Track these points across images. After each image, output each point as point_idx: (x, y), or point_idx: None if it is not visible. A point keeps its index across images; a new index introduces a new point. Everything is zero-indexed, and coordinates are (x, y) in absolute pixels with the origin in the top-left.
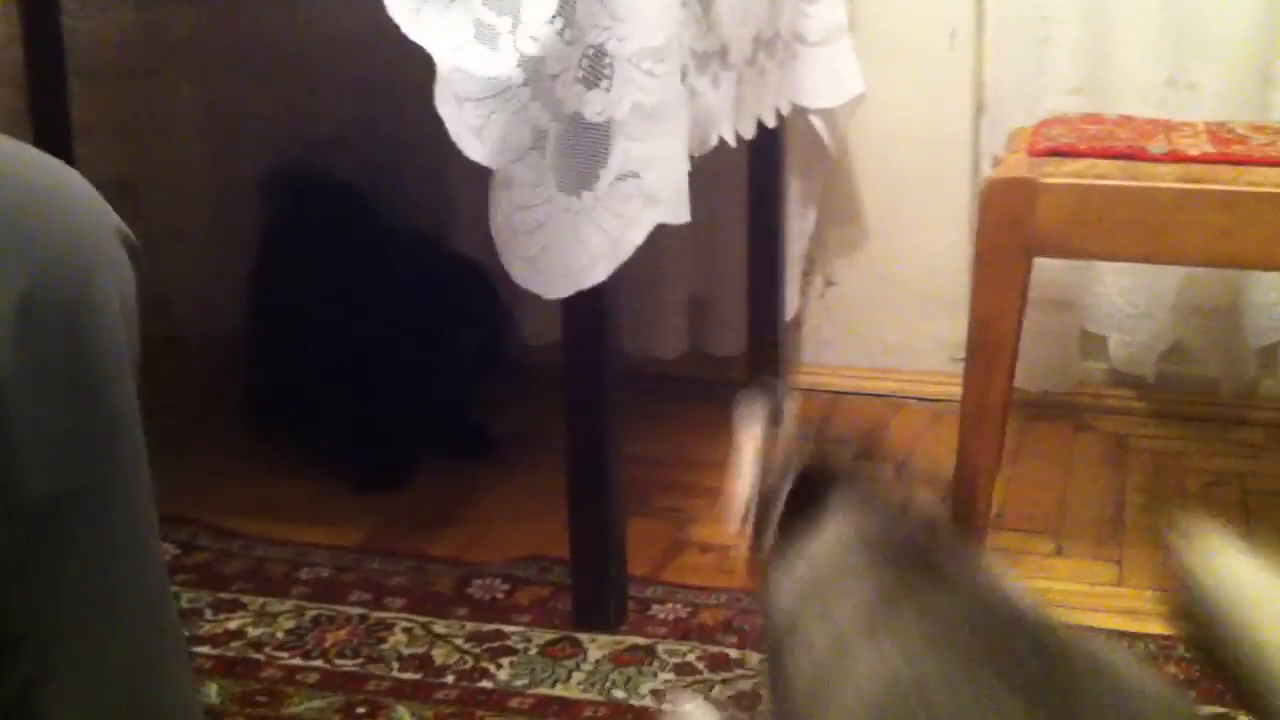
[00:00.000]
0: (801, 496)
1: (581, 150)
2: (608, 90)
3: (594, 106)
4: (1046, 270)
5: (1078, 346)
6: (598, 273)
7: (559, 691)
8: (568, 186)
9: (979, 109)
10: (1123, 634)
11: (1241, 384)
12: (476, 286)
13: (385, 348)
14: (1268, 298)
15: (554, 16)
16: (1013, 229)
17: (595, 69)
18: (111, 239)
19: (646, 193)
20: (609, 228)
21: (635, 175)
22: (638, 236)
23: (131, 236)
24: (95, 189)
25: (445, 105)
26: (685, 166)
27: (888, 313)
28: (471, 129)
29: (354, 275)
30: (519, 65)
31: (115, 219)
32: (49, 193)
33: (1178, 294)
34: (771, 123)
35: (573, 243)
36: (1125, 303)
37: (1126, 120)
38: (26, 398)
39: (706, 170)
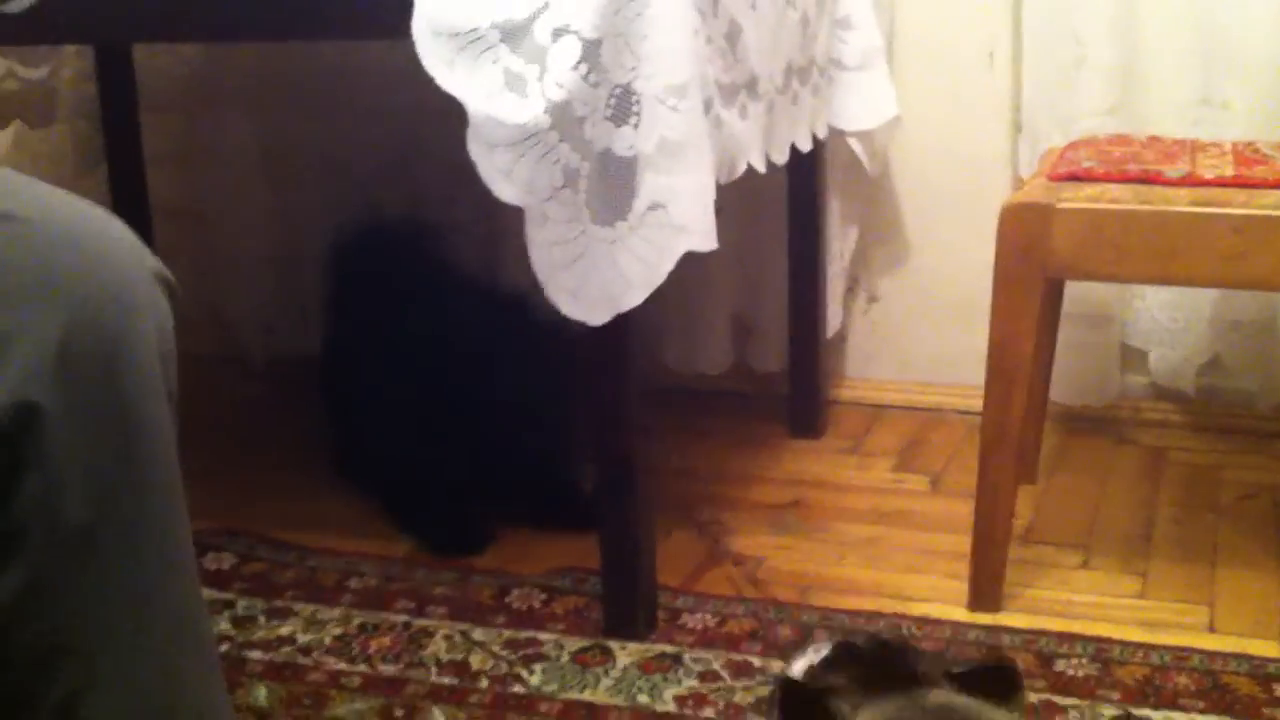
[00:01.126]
0: None
1: (613, 183)
2: (636, 126)
3: (624, 142)
4: (1087, 287)
5: (1118, 361)
6: (634, 297)
7: (586, 696)
8: (602, 218)
9: (1016, 129)
10: (1139, 645)
11: (1279, 397)
12: (558, 349)
13: (467, 409)
14: None
15: (579, 63)
16: (1029, 253)
17: (623, 106)
18: (149, 280)
19: (674, 223)
20: (643, 254)
21: (663, 206)
22: (668, 264)
23: (169, 276)
24: (132, 232)
25: (476, 149)
26: (711, 196)
27: (929, 328)
28: (501, 172)
29: (434, 333)
30: (546, 111)
31: (153, 261)
32: (88, 237)
33: (1215, 308)
34: (806, 147)
35: (610, 270)
36: (1165, 317)
37: (1154, 141)
38: (67, 433)
39: (748, 192)
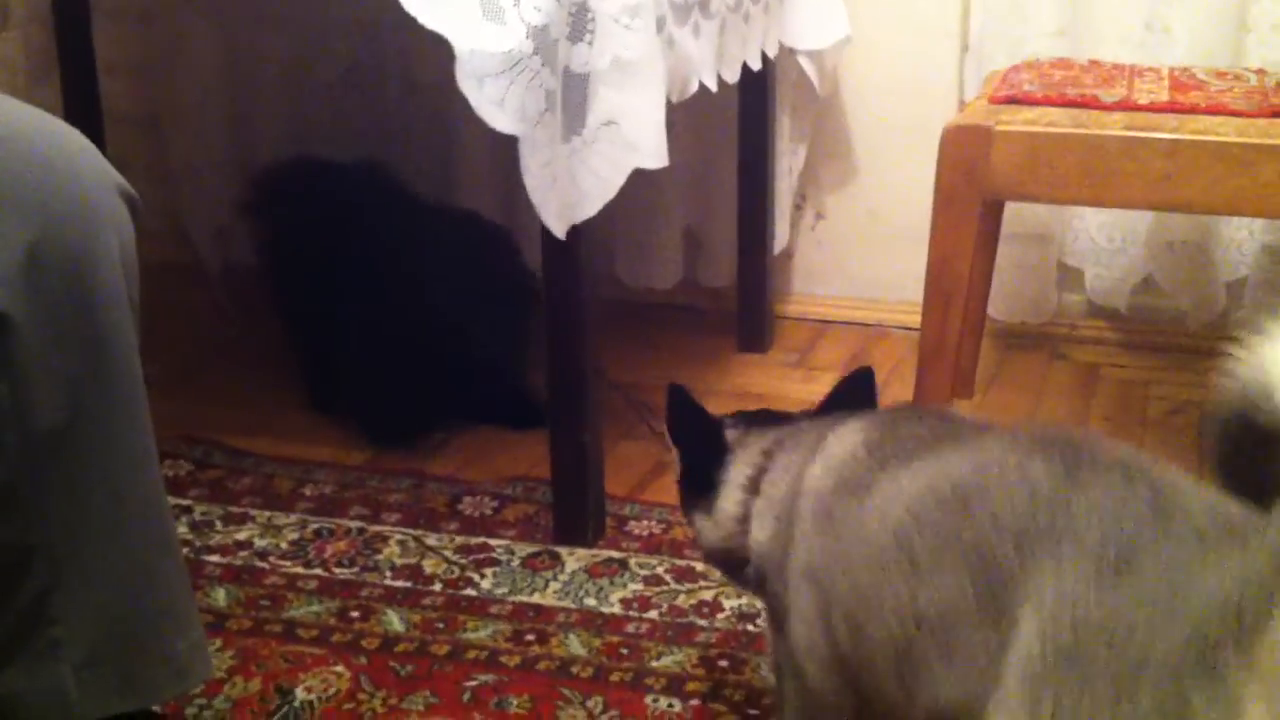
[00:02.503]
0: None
1: (570, 99)
2: (590, 44)
3: (579, 58)
4: (1026, 207)
5: (1055, 279)
6: (588, 209)
7: (535, 599)
8: (565, 132)
9: (964, 50)
10: None
11: (1210, 316)
12: (503, 256)
13: (410, 314)
14: (1238, 234)
15: None
16: (968, 174)
17: (579, 24)
18: (112, 195)
19: (625, 139)
20: (596, 168)
21: (616, 123)
22: (620, 179)
23: (131, 190)
24: (96, 148)
25: (466, 84)
26: (661, 114)
27: (874, 246)
28: (494, 102)
29: (378, 248)
30: (528, 36)
31: (116, 176)
32: (54, 152)
33: (1150, 230)
34: (757, 66)
35: (568, 183)
36: (1102, 237)
37: (1094, 65)
38: (36, 340)
39: (699, 109)
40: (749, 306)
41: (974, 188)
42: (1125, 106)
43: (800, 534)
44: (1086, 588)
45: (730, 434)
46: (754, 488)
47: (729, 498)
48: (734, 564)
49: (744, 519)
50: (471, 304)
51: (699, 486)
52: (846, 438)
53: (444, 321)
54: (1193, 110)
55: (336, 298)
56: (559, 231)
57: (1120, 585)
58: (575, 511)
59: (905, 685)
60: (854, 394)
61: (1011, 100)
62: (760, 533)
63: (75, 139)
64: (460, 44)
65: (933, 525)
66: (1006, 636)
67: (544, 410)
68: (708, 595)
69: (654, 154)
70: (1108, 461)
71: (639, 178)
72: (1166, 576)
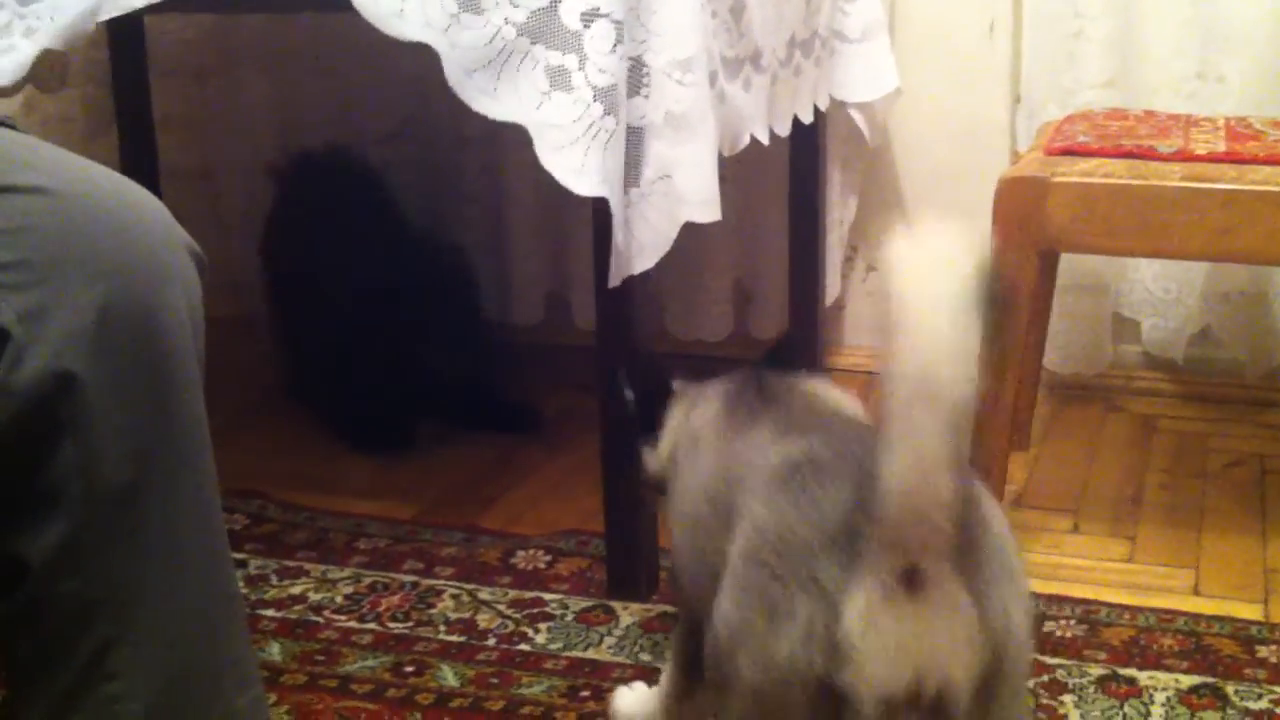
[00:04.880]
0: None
1: (627, 152)
2: (646, 97)
3: (636, 112)
4: (1081, 257)
5: (1110, 330)
6: (645, 261)
7: (591, 654)
8: (625, 183)
9: (1015, 101)
10: (1125, 608)
11: (1268, 367)
12: (456, 272)
13: (378, 327)
14: None
15: (615, 45)
16: (1024, 225)
17: (634, 78)
18: (181, 252)
19: (679, 192)
20: (653, 221)
21: (669, 176)
22: (673, 231)
23: (197, 248)
24: (165, 209)
25: (546, 158)
26: (714, 168)
27: None
28: (575, 170)
29: (355, 259)
30: (596, 99)
31: (183, 234)
32: (124, 210)
33: (1207, 280)
34: (808, 119)
35: (623, 236)
36: (1158, 288)
37: (1149, 116)
38: (104, 399)
39: (750, 162)
40: (800, 359)
41: (1030, 239)
42: (1182, 157)
43: (667, 473)
44: (763, 504)
45: (678, 386)
46: (681, 429)
47: (666, 438)
48: (662, 491)
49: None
50: (445, 317)
51: (649, 427)
52: (707, 405)
53: (421, 335)
54: (1252, 160)
55: (319, 299)
56: (612, 281)
57: (783, 508)
58: (629, 565)
59: (702, 601)
60: (782, 358)
61: (1067, 151)
62: (661, 453)
63: (144, 197)
64: (530, 122)
65: (709, 483)
66: (727, 557)
67: (536, 416)
68: None
69: (707, 206)
70: (814, 420)
71: (689, 230)
72: (814, 499)
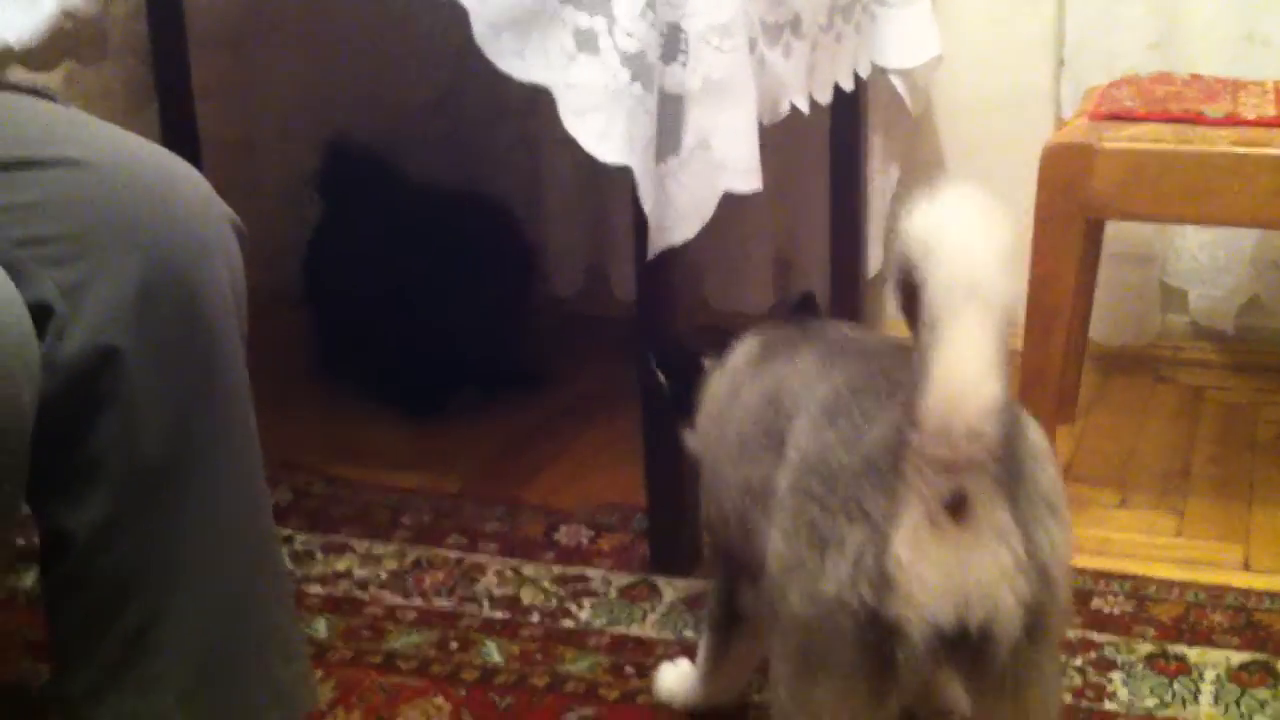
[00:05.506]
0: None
1: (665, 119)
2: (684, 64)
3: (673, 79)
4: (1127, 226)
5: (1158, 300)
6: (685, 231)
7: (634, 631)
8: (661, 153)
9: (1060, 65)
10: (1175, 583)
11: None
12: (506, 237)
13: (422, 294)
14: None
15: (645, 9)
16: (1070, 192)
17: (671, 44)
18: (222, 225)
19: (719, 160)
20: (693, 189)
21: (709, 144)
22: (713, 200)
23: (238, 221)
24: (207, 181)
25: (569, 120)
26: (754, 136)
27: None
28: (598, 135)
29: (395, 231)
30: (623, 64)
31: (225, 208)
32: (164, 183)
33: (1256, 248)
34: (849, 86)
35: (664, 204)
36: (1205, 257)
37: (1196, 80)
38: (146, 372)
39: (790, 130)
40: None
41: (1076, 207)
42: (1231, 122)
43: (702, 427)
44: (809, 435)
45: (707, 362)
46: (717, 381)
47: (702, 404)
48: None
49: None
50: (477, 285)
51: (685, 408)
52: (741, 350)
53: (457, 302)
54: None
55: (358, 276)
56: (652, 251)
57: (825, 434)
58: (672, 541)
59: (749, 544)
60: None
61: (1113, 117)
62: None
63: (184, 169)
64: (556, 83)
65: (754, 418)
66: (775, 486)
67: (539, 375)
68: None
69: (748, 175)
70: (856, 350)
71: (729, 200)
72: (855, 423)
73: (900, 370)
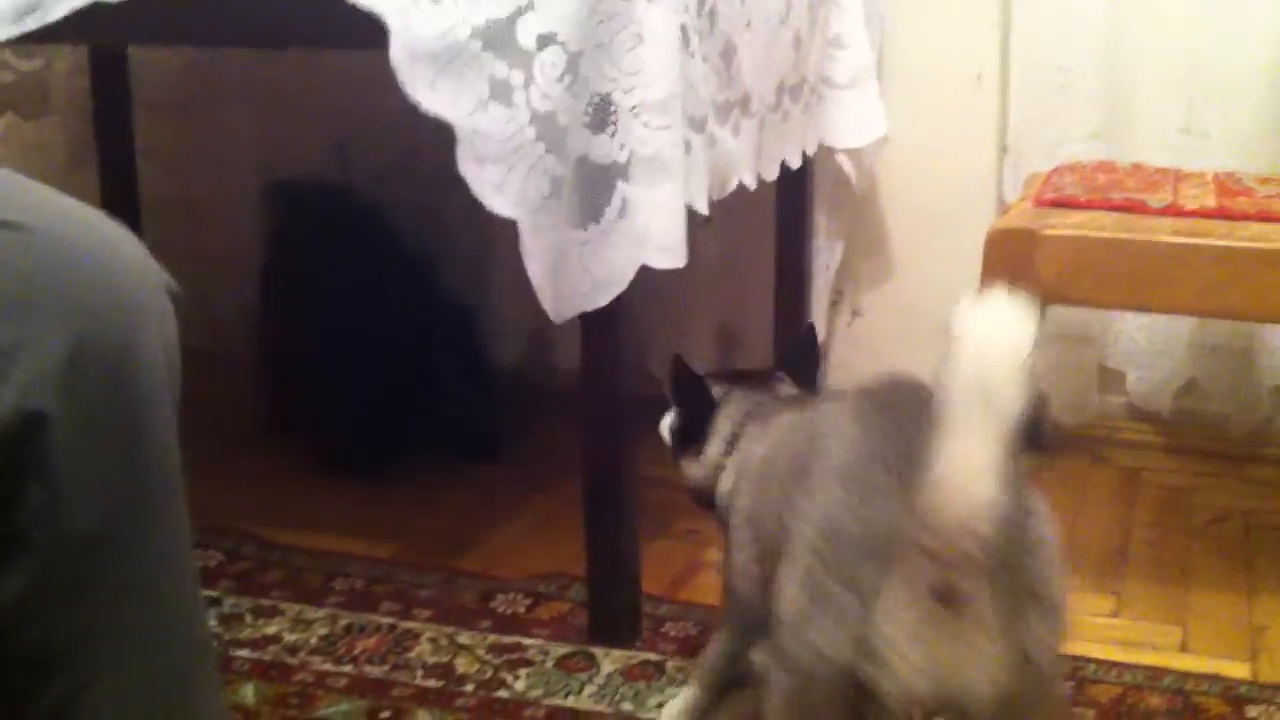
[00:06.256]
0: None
1: (589, 188)
2: (612, 136)
3: (600, 149)
4: (1067, 308)
5: (1096, 381)
6: (598, 299)
7: (570, 703)
8: (577, 221)
9: (1002, 151)
10: (1113, 664)
11: (1254, 422)
12: (453, 313)
13: (375, 362)
14: None
15: (563, 74)
16: (1014, 278)
17: (600, 115)
18: (156, 292)
19: (641, 234)
20: (610, 259)
21: (632, 217)
22: (630, 272)
23: (174, 284)
24: (141, 244)
25: (466, 166)
26: (681, 213)
27: (911, 343)
28: (493, 186)
29: (349, 293)
30: (531, 122)
31: (160, 272)
32: (96, 246)
33: (1193, 333)
34: (796, 164)
35: (579, 271)
36: (1143, 339)
37: (1137, 170)
38: (73, 443)
39: (737, 205)
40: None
41: (1019, 291)
42: (1173, 212)
43: (746, 490)
44: (826, 492)
45: (716, 391)
46: (732, 443)
47: (714, 447)
48: (708, 500)
49: (719, 467)
50: (431, 349)
51: (691, 436)
52: (784, 422)
53: (400, 355)
54: (1243, 217)
55: (304, 337)
56: (559, 317)
57: (843, 498)
58: (611, 611)
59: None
60: (801, 351)
61: (1057, 204)
62: (725, 483)
63: (117, 232)
64: (462, 126)
65: (783, 467)
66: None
67: (494, 442)
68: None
69: (671, 252)
70: (900, 407)
71: (673, 272)
72: (871, 496)
73: (922, 434)
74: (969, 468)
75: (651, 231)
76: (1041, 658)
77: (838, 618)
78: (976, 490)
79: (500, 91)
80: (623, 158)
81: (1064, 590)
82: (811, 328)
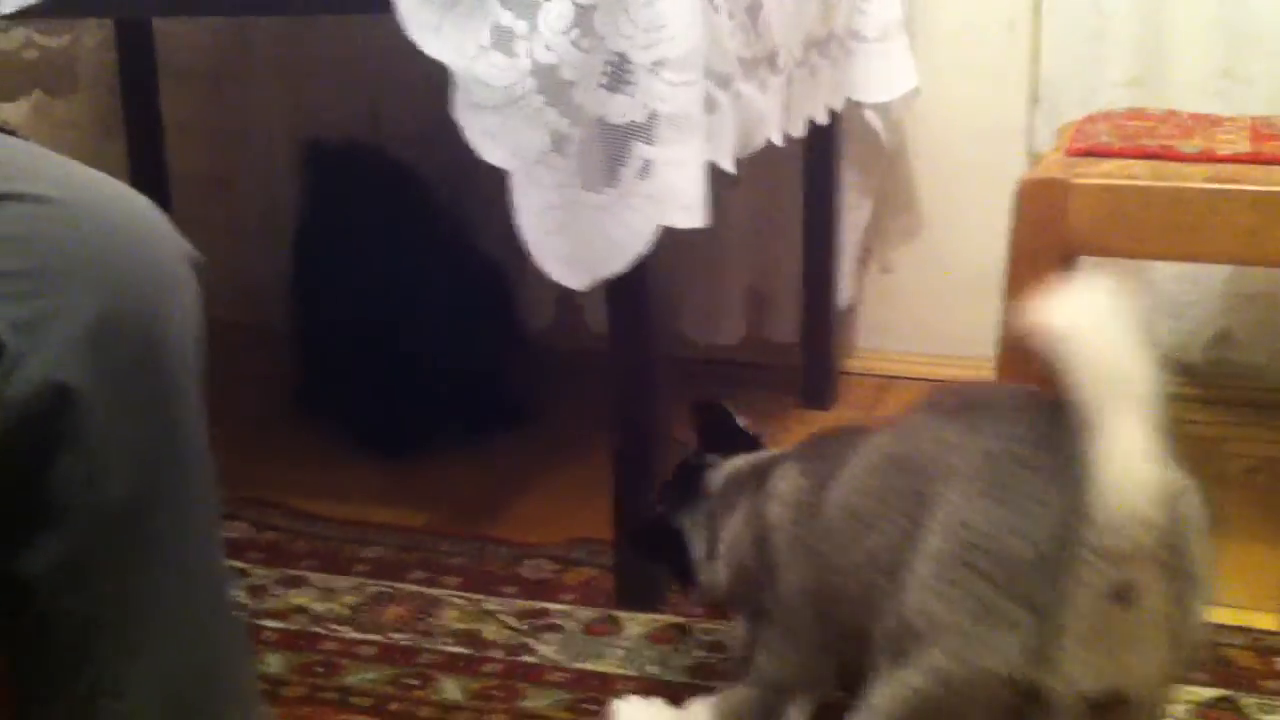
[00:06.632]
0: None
1: (606, 150)
2: (631, 96)
3: (617, 109)
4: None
5: None
6: (616, 264)
7: (597, 667)
8: (592, 184)
9: (1034, 101)
10: None
11: None
12: (491, 279)
13: (407, 331)
14: None
15: (570, 28)
16: (1044, 228)
17: (619, 75)
18: (181, 262)
19: (661, 194)
20: (629, 222)
21: (652, 177)
22: (651, 235)
23: (198, 256)
24: (162, 213)
25: (462, 112)
26: (701, 172)
27: (942, 300)
28: (487, 134)
29: (382, 255)
30: (532, 73)
31: (184, 243)
32: (122, 220)
33: (1226, 282)
34: (824, 120)
35: (596, 236)
36: (1176, 289)
37: (1171, 115)
38: (102, 411)
39: (764, 163)
40: (813, 363)
41: (1051, 243)
42: (1206, 158)
43: (782, 565)
44: (966, 503)
45: (677, 519)
46: (711, 553)
47: (702, 570)
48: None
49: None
50: (458, 319)
51: (685, 576)
52: (788, 474)
53: (434, 321)
54: (1276, 161)
55: (339, 294)
56: (574, 282)
57: (992, 510)
58: (637, 574)
59: (868, 621)
60: (719, 427)
61: (1088, 153)
62: (721, 581)
63: (142, 205)
64: (461, 71)
65: (869, 487)
66: (918, 544)
67: (526, 410)
68: None
69: (693, 212)
70: (1000, 410)
71: (701, 234)
72: (1024, 505)
73: (1059, 435)
74: (1130, 457)
75: (672, 190)
76: (1199, 639)
77: (1009, 633)
78: (1143, 477)
79: (502, 40)
80: (642, 117)
81: (1213, 567)
82: (717, 407)
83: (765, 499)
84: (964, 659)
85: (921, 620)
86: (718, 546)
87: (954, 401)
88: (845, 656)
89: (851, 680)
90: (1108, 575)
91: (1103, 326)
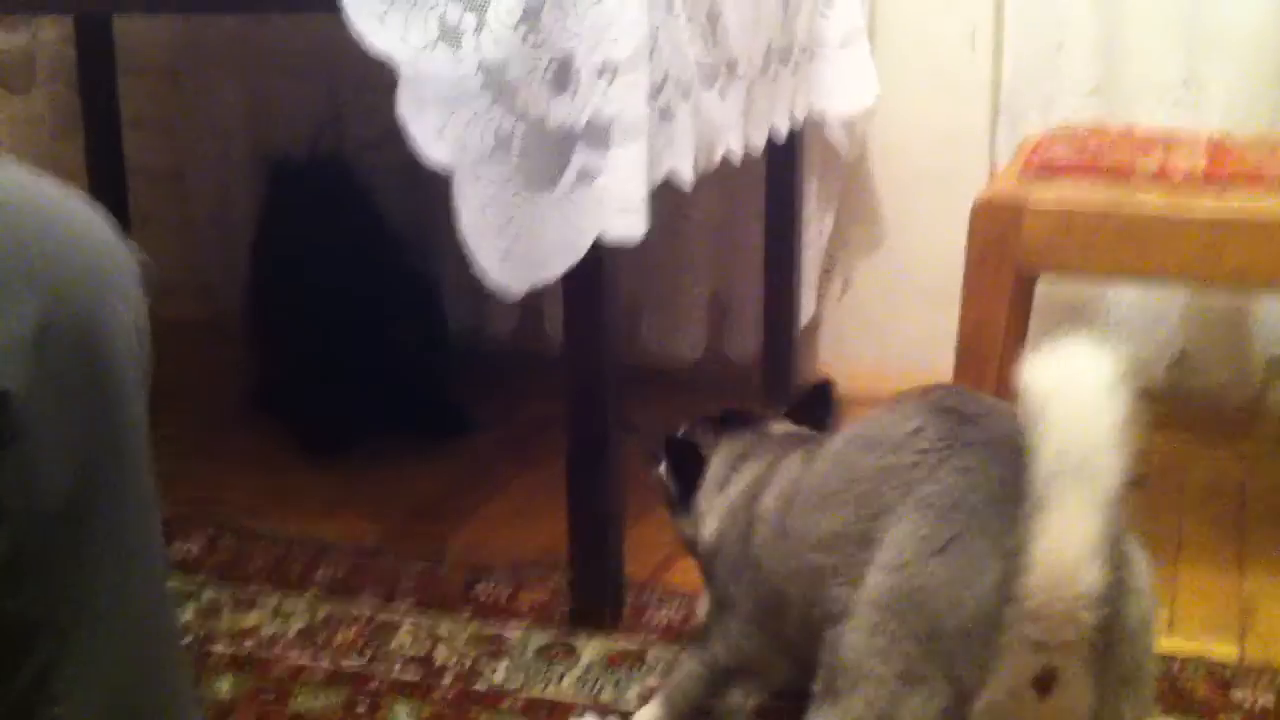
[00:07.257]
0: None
1: (546, 152)
2: (573, 97)
3: (560, 110)
4: (1058, 280)
5: None
6: (553, 269)
7: (549, 694)
8: (534, 185)
9: (995, 110)
10: None
11: (1248, 393)
12: (419, 283)
13: (339, 336)
14: (1276, 307)
15: (518, 23)
16: (999, 249)
17: (562, 75)
18: (124, 263)
19: (600, 200)
20: (567, 228)
21: (591, 182)
22: (588, 240)
23: (144, 257)
24: (104, 212)
25: (406, 109)
26: (643, 180)
27: (904, 310)
28: (432, 131)
29: (317, 266)
30: (479, 69)
31: (126, 245)
32: (62, 220)
33: (1186, 303)
34: (785, 129)
35: (534, 240)
36: (1135, 311)
37: (1129, 133)
38: (44, 413)
39: (726, 173)
40: (774, 376)
41: (1005, 262)
42: (1162, 178)
43: (761, 552)
44: (914, 554)
45: (705, 446)
46: (722, 487)
47: (700, 503)
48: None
49: (706, 512)
50: (397, 325)
51: (684, 498)
52: (790, 469)
53: (359, 329)
54: (1232, 180)
55: (298, 300)
56: (511, 285)
57: (934, 564)
58: (593, 594)
59: (812, 610)
60: (813, 407)
61: (1044, 169)
62: (706, 531)
63: (84, 208)
64: (406, 66)
65: (837, 469)
66: (870, 559)
67: (467, 416)
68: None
69: (632, 219)
70: (986, 427)
71: (663, 241)
72: (965, 565)
73: (1009, 496)
74: (1072, 553)
75: (612, 195)
76: None
77: (927, 700)
78: (1080, 575)
79: (449, 34)
80: (583, 120)
81: (1154, 673)
82: (828, 383)
83: (764, 486)
84: (882, 714)
85: (853, 659)
86: (721, 492)
87: (950, 401)
88: (799, 654)
89: (805, 671)
90: (1029, 661)
91: (1083, 400)
